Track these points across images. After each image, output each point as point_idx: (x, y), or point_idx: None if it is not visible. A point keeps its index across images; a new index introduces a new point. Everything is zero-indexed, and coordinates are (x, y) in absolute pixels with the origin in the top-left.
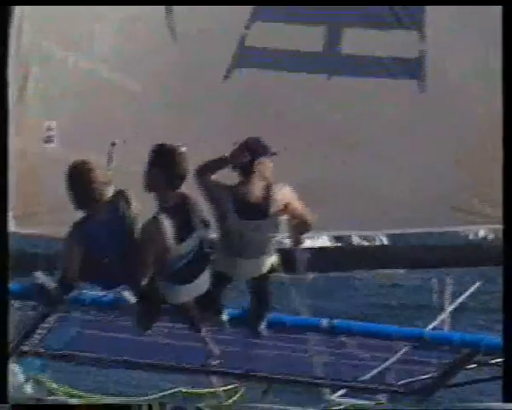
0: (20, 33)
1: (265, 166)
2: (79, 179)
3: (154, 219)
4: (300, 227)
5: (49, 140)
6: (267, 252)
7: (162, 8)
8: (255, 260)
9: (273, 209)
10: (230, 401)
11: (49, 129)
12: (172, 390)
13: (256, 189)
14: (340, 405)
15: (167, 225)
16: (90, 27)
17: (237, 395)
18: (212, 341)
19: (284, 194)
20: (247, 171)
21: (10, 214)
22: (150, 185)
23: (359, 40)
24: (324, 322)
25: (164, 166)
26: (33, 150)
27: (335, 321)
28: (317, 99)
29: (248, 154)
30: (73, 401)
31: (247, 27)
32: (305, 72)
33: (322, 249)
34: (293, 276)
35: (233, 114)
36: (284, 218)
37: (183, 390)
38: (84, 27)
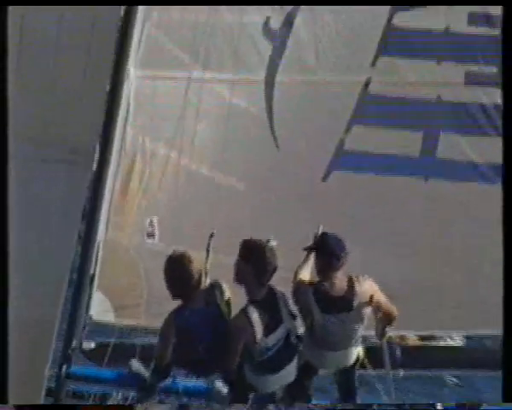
0: (124, 132)
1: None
2: (178, 269)
3: (243, 312)
4: (385, 320)
5: (151, 235)
6: (353, 344)
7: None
8: (341, 353)
9: (357, 302)
10: None
11: (151, 224)
12: None
13: (338, 283)
14: None
15: (255, 318)
16: (193, 125)
17: None
18: None
19: (367, 286)
20: (328, 266)
21: (109, 304)
22: (240, 279)
23: (453, 145)
24: None
25: (252, 261)
26: (135, 244)
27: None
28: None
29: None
30: None
31: (346, 131)
32: (402, 175)
33: (413, 347)
34: (380, 372)
35: (329, 213)
36: (368, 310)
37: None
38: (187, 125)
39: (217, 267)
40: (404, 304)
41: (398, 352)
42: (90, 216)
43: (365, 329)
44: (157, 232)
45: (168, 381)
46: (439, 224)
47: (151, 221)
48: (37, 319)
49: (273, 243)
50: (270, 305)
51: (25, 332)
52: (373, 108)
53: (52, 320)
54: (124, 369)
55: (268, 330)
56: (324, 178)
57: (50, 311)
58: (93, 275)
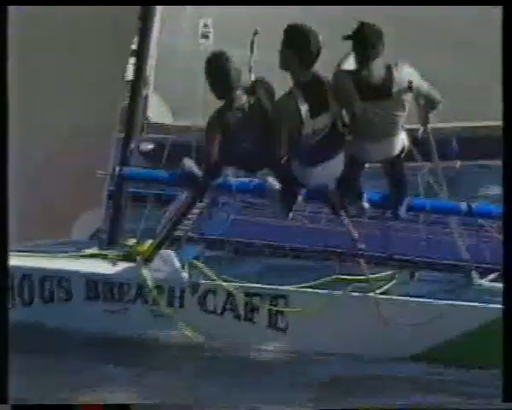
0: None
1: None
2: (216, 68)
3: (289, 93)
4: (427, 105)
5: (205, 36)
6: (395, 133)
7: None
8: (384, 142)
9: (395, 88)
10: (386, 287)
11: (205, 26)
12: (329, 277)
13: (377, 70)
14: (491, 290)
15: (301, 98)
16: None
17: (392, 282)
18: (353, 225)
19: (406, 72)
20: (365, 54)
21: (166, 106)
22: (284, 64)
23: None
24: (463, 206)
25: (295, 45)
26: (191, 46)
27: (474, 205)
28: None
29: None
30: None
31: None
32: None
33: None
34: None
35: None
36: (409, 97)
37: (340, 277)
38: None
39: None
40: None
41: (454, 142)
42: (144, 20)
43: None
44: (211, 33)
45: (220, 179)
46: None
47: (205, 23)
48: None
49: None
50: (315, 88)
51: None
52: None
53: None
54: (178, 169)
55: (314, 112)
56: None
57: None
58: (148, 77)
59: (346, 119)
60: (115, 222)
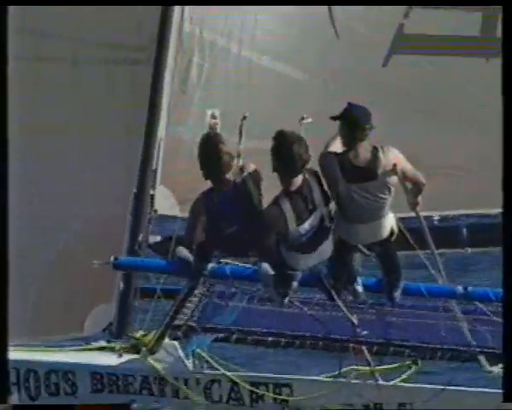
0: (180, 26)
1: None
2: (209, 149)
3: (276, 202)
4: (414, 189)
5: (213, 127)
6: (382, 215)
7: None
8: (371, 225)
9: (381, 170)
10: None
11: (213, 117)
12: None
13: (363, 153)
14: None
15: (288, 208)
16: (253, 19)
17: (413, 369)
18: (350, 310)
19: (392, 156)
20: (352, 136)
21: (173, 201)
22: (274, 169)
23: None
24: (460, 289)
25: (282, 154)
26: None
27: (470, 288)
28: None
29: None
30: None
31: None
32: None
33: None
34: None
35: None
36: (393, 179)
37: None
38: (246, 18)
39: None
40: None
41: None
42: (150, 113)
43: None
44: (219, 124)
45: (214, 265)
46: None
47: (213, 113)
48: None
49: (308, 120)
50: (303, 194)
51: None
52: None
53: None
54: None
55: (301, 220)
56: (384, 64)
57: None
58: (155, 170)
59: (332, 213)
60: (123, 315)
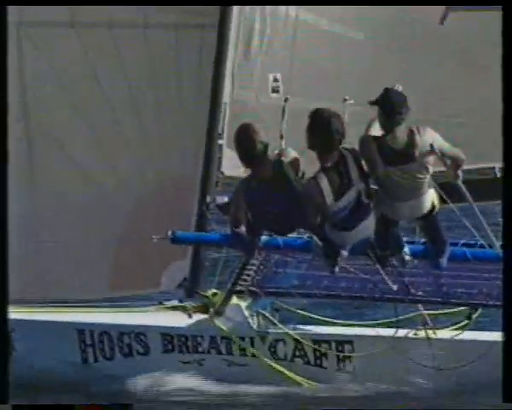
0: None
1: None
2: (243, 139)
3: (313, 179)
4: (453, 164)
5: (275, 90)
6: (422, 193)
7: None
8: (412, 202)
9: (418, 152)
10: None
11: (275, 80)
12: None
13: (400, 136)
14: None
15: (325, 184)
16: None
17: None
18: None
19: (428, 136)
20: (389, 121)
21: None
22: (310, 147)
23: None
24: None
25: (318, 131)
26: (262, 101)
27: None
28: None
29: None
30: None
31: None
32: None
33: None
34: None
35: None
36: (431, 158)
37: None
38: None
39: None
40: None
41: None
42: (215, 79)
43: None
44: (281, 87)
45: (267, 237)
46: None
47: (275, 77)
48: None
49: (351, 102)
50: (340, 170)
51: None
52: None
53: None
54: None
55: (338, 195)
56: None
57: None
58: (221, 134)
59: (371, 190)
60: (195, 275)
